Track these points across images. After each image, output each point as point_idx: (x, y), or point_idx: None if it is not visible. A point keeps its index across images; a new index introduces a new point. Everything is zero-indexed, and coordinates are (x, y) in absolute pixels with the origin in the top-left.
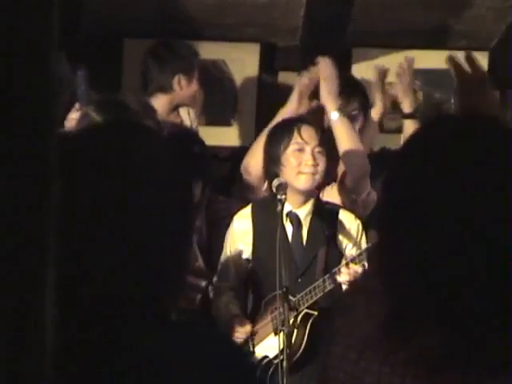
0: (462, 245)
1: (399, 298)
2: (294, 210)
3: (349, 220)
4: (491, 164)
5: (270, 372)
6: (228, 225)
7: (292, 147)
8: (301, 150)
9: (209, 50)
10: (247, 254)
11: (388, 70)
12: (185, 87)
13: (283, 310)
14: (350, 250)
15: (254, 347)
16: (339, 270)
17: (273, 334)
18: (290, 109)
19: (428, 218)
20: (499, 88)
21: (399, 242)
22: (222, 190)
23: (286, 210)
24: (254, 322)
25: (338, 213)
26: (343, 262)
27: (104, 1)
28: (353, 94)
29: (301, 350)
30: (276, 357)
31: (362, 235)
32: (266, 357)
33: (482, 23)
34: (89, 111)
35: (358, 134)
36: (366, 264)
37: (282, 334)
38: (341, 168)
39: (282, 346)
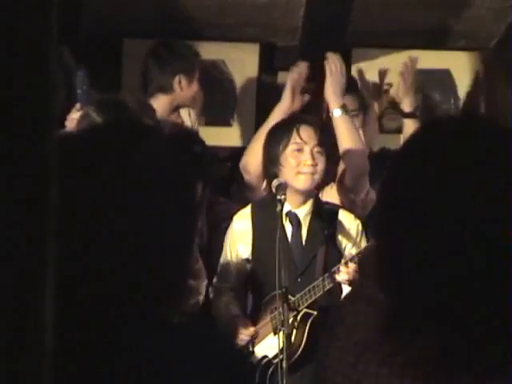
0: (461, 245)
1: (398, 298)
2: (293, 210)
3: (348, 220)
4: (491, 164)
5: (269, 372)
6: (228, 226)
7: (291, 147)
8: (300, 150)
9: (208, 50)
10: (247, 254)
11: (388, 70)
12: (185, 88)
13: (283, 309)
14: (349, 250)
15: (253, 347)
16: (338, 269)
17: (272, 334)
18: (284, 105)
19: (427, 219)
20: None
21: (398, 242)
22: (221, 190)
23: (285, 210)
24: (254, 322)
25: (337, 213)
26: (342, 261)
27: (104, 1)
28: (352, 94)
29: (300, 350)
30: (275, 356)
31: (361, 235)
32: (265, 356)
33: (482, 23)
34: (89, 111)
35: (359, 133)
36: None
37: (281, 333)
38: (340, 168)
39: (281, 346)
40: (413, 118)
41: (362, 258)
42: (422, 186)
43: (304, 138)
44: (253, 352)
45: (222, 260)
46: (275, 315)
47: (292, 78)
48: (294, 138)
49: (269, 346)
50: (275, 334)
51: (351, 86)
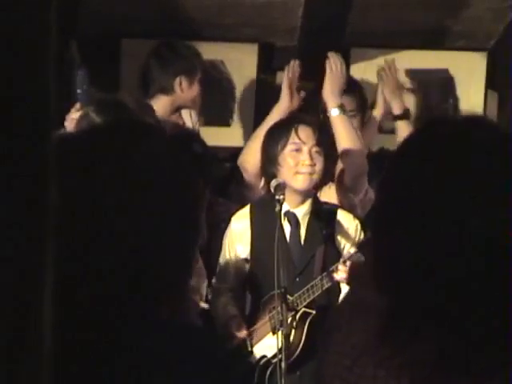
0: (459, 246)
1: (396, 299)
2: (291, 210)
3: (347, 220)
4: (488, 165)
5: (268, 371)
6: (227, 227)
7: (289, 147)
8: (298, 150)
9: (207, 50)
10: (245, 254)
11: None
12: (186, 89)
13: (281, 309)
14: (348, 250)
15: (252, 347)
16: (336, 267)
17: (271, 334)
18: (283, 105)
19: (425, 219)
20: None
21: (396, 242)
22: (220, 190)
23: (283, 210)
24: (252, 322)
25: (335, 213)
26: (341, 259)
27: (103, 1)
28: (350, 94)
29: (299, 349)
30: (274, 356)
31: (360, 235)
32: (264, 356)
33: (481, 23)
34: (89, 111)
35: (357, 133)
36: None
37: (280, 333)
38: (338, 168)
39: (280, 346)
40: (404, 120)
41: (353, 263)
42: (420, 186)
43: (302, 138)
44: (251, 352)
45: (220, 260)
46: (274, 315)
47: (286, 76)
48: (293, 137)
49: (267, 346)
50: (274, 333)
51: (349, 87)
